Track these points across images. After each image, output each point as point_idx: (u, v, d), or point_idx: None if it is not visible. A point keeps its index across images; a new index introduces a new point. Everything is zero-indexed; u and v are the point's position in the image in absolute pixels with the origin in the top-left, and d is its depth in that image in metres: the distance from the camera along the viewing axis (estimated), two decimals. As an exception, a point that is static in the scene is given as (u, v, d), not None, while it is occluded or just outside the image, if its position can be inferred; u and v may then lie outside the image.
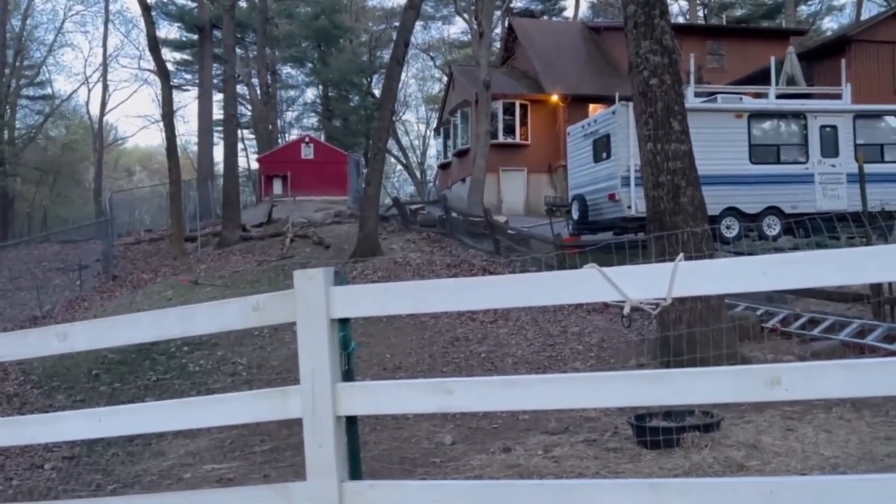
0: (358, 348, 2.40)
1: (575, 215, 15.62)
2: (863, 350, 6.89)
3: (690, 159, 7.18)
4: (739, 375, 2.15)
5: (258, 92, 35.82)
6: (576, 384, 2.24)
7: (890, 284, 7.55)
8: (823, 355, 6.72)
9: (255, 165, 35.43)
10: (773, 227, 14.42)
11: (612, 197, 14.05)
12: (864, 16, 33.20)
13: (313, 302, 2.26)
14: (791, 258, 2.09)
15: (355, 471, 2.34)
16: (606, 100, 19.29)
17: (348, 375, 2.35)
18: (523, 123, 26.65)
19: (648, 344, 7.75)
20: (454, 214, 16.80)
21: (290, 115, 48.64)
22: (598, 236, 14.46)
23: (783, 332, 7.91)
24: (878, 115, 15.65)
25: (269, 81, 38.68)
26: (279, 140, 39.37)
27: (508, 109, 26.41)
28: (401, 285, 2.34)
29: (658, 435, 4.35)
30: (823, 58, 22.08)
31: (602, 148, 14.69)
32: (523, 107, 26.57)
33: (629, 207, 13.53)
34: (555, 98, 26.20)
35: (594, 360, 7.84)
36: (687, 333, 6.29)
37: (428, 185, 41.72)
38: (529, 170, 26.45)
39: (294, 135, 42.98)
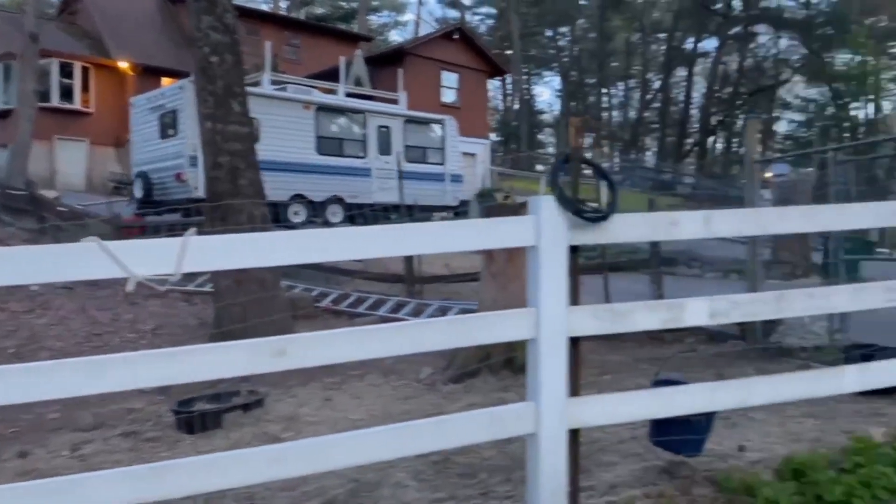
0: None
1: (139, 194, 14.56)
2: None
3: (251, 142, 7.22)
4: (249, 348, 2.19)
5: None
6: (82, 368, 2.00)
7: (420, 265, 8.77)
8: (366, 329, 7.46)
9: None
10: (336, 214, 15.58)
11: (179, 177, 13.45)
12: (422, 34, 38.13)
13: None
14: (325, 233, 2.20)
15: None
16: (182, 74, 18.42)
17: None
18: (85, 89, 23.81)
19: (207, 327, 7.61)
20: (-13, 185, 14.13)
21: None
22: (165, 217, 13.72)
23: (334, 311, 8.57)
24: (425, 122, 18.11)
25: None
26: None
27: (66, 70, 23.27)
28: None
29: (198, 419, 4.25)
30: (386, 65, 24.67)
31: (169, 124, 13.95)
32: (85, 70, 23.73)
33: (196, 188, 13.13)
34: (123, 65, 24.00)
35: (147, 347, 7.37)
36: (241, 313, 6.32)
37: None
38: (92, 141, 23.79)
39: None
